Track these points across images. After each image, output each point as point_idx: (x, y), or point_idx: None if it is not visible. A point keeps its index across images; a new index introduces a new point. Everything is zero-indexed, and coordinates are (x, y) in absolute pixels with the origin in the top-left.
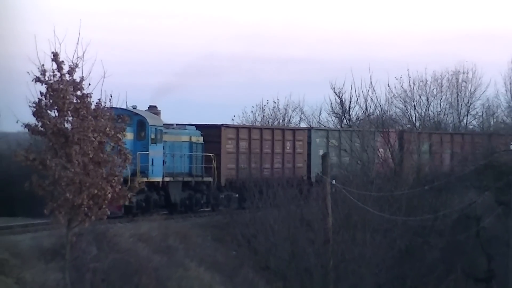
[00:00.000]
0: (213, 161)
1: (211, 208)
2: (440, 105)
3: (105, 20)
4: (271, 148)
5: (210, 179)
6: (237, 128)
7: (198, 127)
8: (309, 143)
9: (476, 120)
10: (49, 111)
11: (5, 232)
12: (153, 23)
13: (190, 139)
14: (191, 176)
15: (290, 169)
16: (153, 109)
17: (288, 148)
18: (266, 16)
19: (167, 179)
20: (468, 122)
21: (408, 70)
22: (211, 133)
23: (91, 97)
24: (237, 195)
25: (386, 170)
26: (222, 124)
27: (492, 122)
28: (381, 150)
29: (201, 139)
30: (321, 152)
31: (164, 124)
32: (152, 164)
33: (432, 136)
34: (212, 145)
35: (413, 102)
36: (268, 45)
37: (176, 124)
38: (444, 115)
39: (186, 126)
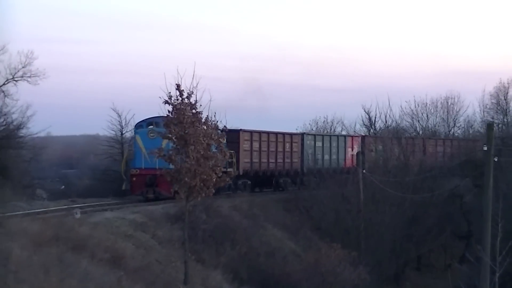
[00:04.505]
0: (233, 156)
1: (231, 191)
2: (436, 120)
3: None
4: (275, 148)
5: (231, 170)
6: (251, 132)
7: (222, 131)
8: (302, 144)
9: (460, 130)
10: (173, 123)
11: (144, 204)
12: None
13: None
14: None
15: (289, 163)
16: None
17: (287, 148)
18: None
19: None
20: (454, 132)
21: (414, 96)
22: (232, 136)
23: (202, 113)
24: (249, 182)
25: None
26: (240, 129)
27: (471, 132)
28: (350, 149)
29: (224, 140)
30: (310, 151)
31: None
32: None
33: (384, 139)
34: (232, 144)
35: (417, 118)
36: (322, 78)
37: None
38: (438, 126)
39: None
